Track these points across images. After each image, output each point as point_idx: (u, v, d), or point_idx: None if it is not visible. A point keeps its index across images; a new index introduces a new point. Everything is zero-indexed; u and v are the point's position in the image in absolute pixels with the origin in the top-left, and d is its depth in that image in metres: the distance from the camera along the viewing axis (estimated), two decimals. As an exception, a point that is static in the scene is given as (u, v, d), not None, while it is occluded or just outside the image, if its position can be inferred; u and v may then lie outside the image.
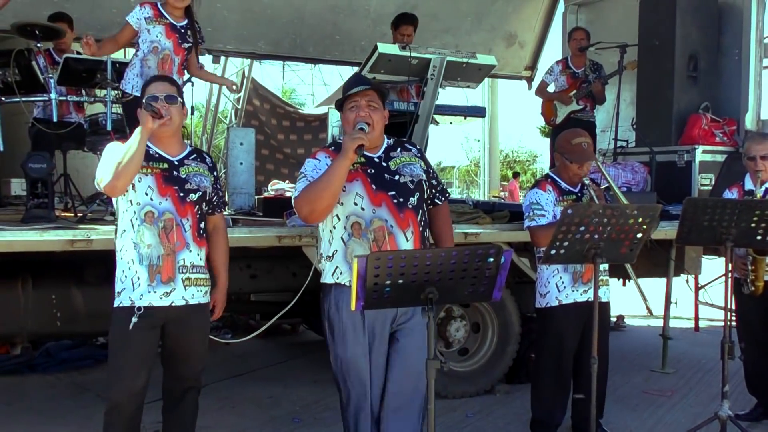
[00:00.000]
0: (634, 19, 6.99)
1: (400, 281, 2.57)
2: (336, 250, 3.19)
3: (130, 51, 7.36)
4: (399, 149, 3.33)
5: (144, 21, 4.69)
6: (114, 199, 3.25)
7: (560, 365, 4.16)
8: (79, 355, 5.96)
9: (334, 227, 3.19)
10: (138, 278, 3.11)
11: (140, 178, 3.12)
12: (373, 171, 3.21)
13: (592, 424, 3.56)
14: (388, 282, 2.55)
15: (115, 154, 3.05)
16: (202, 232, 3.26)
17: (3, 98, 4.72)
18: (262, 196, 5.67)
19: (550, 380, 4.21)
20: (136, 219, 3.12)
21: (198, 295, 3.24)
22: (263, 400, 5.16)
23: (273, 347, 6.75)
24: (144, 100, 3.13)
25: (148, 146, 3.15)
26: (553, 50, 8.99)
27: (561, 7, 8.67)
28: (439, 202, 3.43)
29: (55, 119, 4.77)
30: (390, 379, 3.21)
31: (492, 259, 2.64)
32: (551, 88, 7.15)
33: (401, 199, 3.18)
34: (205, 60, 7.46)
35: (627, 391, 5.40)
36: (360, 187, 3.16)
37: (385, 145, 3.32)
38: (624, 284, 6.57)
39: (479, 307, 5.24)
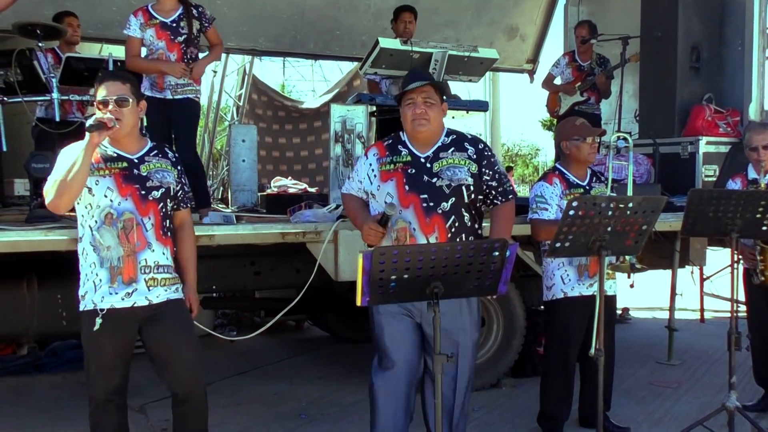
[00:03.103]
0: (636, 11, 6.96)
1: (406, 276, 2.56)
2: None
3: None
4: (452, 149, 3.28)
5: (139, 28, 4.71)
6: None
7: (567, 358, 4.16)
8: (85, 355, 5.96)
9: None
10: (100, 280, 3.08)
11: (98, 180, 3.07)
12: (413, 171, 3.22)
13: (600, 416, 3.55)
14: (393, 277, 2.55)
15: (62, 167, 2.98)
16: (166, 230, 3.20)
17: (5, 98, 4.71)
18: (264, 193, 5.67)
19: (558, 373, 4.20)
20: (95, 222, 3.07)
21: (166, 294, 3.18)
22: (269, 396, 5.16)
23: (278, 344, 6.75)
24: (87, 124, 2.98)
25: (105, 147, 3.12)
26: (555, 43, 8.96)
27: (562, 0, 8.65)
28: (498, 203, 3.36)
29: (57, 119, 4.76)
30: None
31: (497, 253, 2.63)
32: (557, 81, 7.16)
33: (431, 204, 3.18)
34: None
35: (633, 383, 5.39)
36: (392, 187, 3.20)
37: (439, 143, 3.30)
38: (629, 277, 6.53)
39: (484, 301, 5.21)
